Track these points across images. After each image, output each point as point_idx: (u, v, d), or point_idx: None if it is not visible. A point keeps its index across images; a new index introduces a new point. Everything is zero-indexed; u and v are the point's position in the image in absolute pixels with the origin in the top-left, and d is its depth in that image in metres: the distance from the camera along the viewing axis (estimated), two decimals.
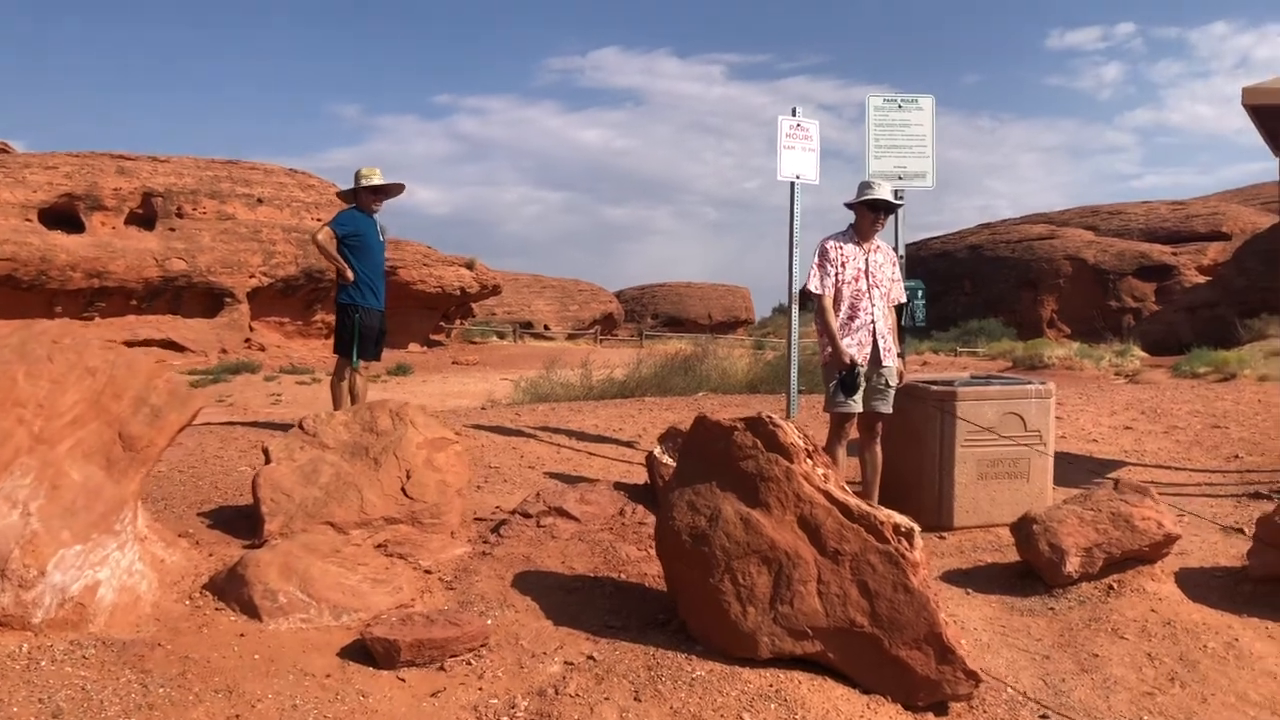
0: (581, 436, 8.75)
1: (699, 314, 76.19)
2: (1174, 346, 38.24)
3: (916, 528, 3.56)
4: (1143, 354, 34.08)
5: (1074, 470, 7.61)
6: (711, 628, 3.49)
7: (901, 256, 7.04)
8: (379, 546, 4.23)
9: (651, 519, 4.76)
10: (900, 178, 7.45)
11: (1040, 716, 3.55)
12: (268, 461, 4.54)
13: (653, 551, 4.52)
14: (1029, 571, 5.01)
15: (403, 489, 4.53)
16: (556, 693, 3.23)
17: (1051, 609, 4.66)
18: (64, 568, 3.30)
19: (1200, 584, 5.07)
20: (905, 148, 7.53)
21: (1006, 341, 40.07)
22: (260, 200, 32.76)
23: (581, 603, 3.99)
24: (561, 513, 4.68)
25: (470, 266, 37.96)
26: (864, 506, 3.53)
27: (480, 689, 3.26)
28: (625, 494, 5.02)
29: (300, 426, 4.78)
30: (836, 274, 5.99)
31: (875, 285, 6.06)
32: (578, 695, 3.21)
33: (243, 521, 4.52)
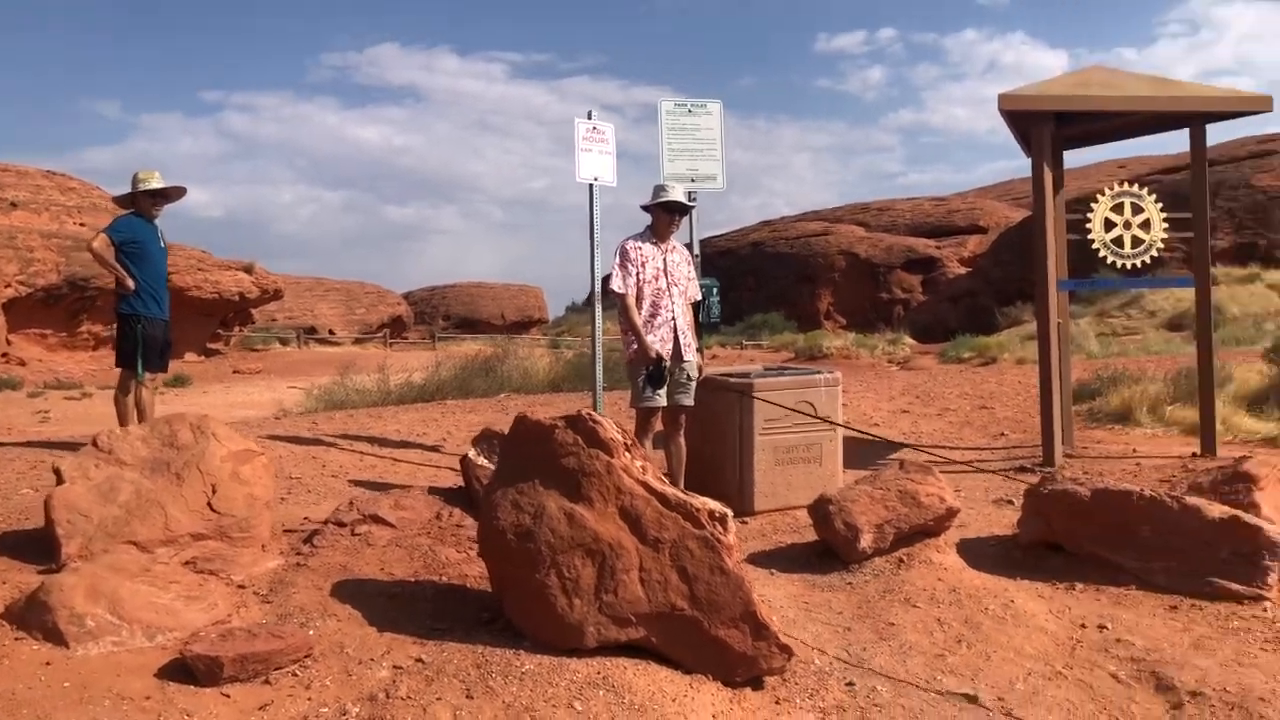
0: (384, 443, 8.64)
1: (492, 314, 75.74)
2: (940, 334, 40.83)
3: (729, 512, 3.76)
4: (912, 342, 36.23)
5: (861, 453, 8.08)
6: (539, 622, 3.58)
7: (697, 256, 7.31)
8: (188, 563, 4.10)
9: (469, 521, 4.80)
10: (693, 180, 7.72)
11: (846, 684, 3.80)
12: (60, 482, 4.31)
13: (473, 554, 4.57)
14: (827, 550, 5.32)
15: (209, 504, 4.40)
16: (388, 696, 3.24)
17: (849, 583, 4.97)
18: None
19: (978, 552, 5.52)
20: (696, 151, 7.80)
21: (788, 334, 41.80)
22: (14, 204, 30.40)
23: (405, 608, 4.00)
24: (377, 520, 4.65)
25: (249, 271, 36.46)
26: (680, 495, 3.69)
27: (309, 699, 3.23)
28: (441, 498, 5.03)
29: (94, 444, 4.55)
30: (638, 274, 6.19)
31: (674, 284, 6.30)
32: (409, 697, 3.23)
33: (33, 546, 4.27)
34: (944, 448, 8.97)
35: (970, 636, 4.34)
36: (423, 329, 68.19)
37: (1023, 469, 7.82)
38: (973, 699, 3.74)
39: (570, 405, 10.66)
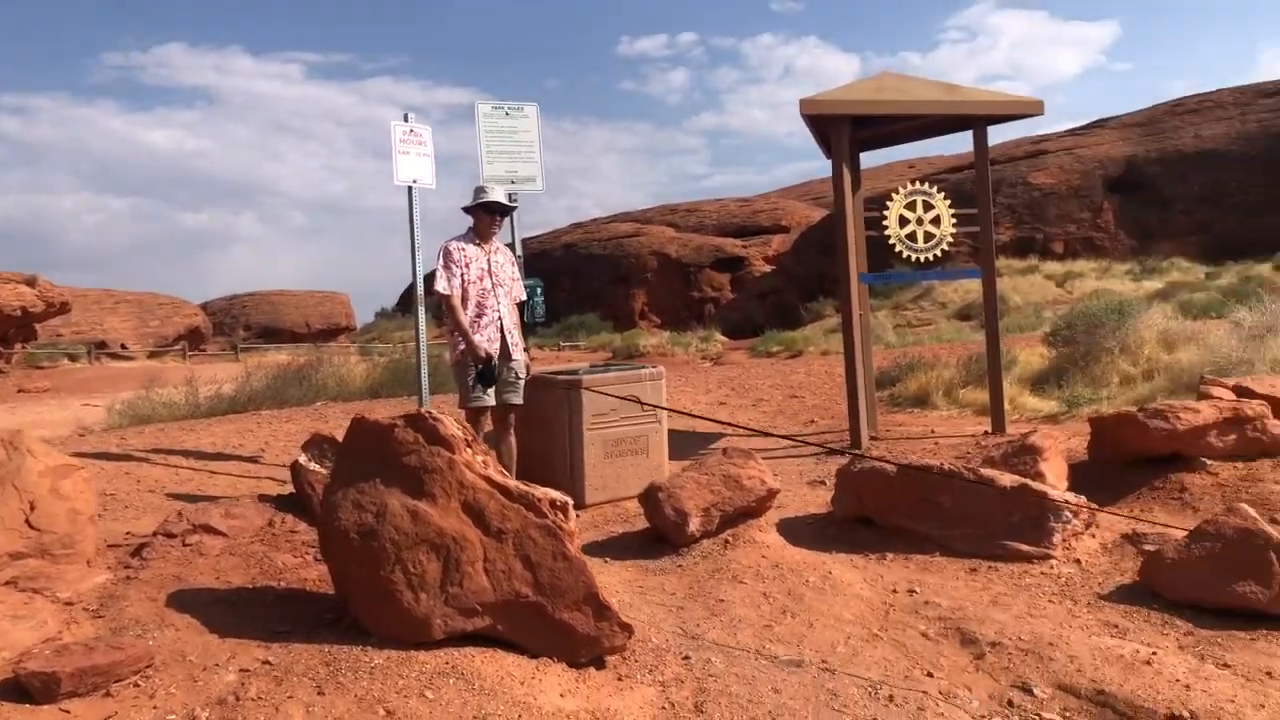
0: (199, 455, 8.39)
1: (296, 323, 73.35)
2: (749, 330, 42.17)
3: (570, 500, 3.91)
4: (723, 338, 37.25)
5: (684, 444, 8.38)
6: (385, 618, 3.63)
7: (520, 256, 7.43)
8: (9, 583, 3.94)
9: (303, 526, 4.78)
10: (513, 181, 7.83)
11: (683, 658, 4.00)
12: None
13: (309, 558, 4.56)
14: (658, 536, 5.54)
15: (27, 521, 4.23)
16: (238, 699, 3.23)
17: (680, 566, 5.20)
18: None
19: (797, 530, 5.86)
20: (515, 153, 7.91)
21: (605, 334, 42.31)
22: None
23: (245, 614, 3.97)
24: (208, 529, 4.57)
25: (31, 284, 34.22)
26: (522, 487, 3.82)
27: (154, 708, 3.19)
28: (272, 505, 4.98)
29: None
30: (462, 274, 6.26)
31: (499, 284, 6.40)
32: (260, 698, 3.24)
33: None
34: (760, 435, 9.36)
35: (794, 607, 4.62)
36: (222, 340, 65.42)
37: (832, 452, 8.27)
38: (799, 664, 4.01)
39: (392, 410, 10.57)
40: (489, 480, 3.79)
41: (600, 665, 3.82)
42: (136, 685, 3.32)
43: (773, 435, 9.49)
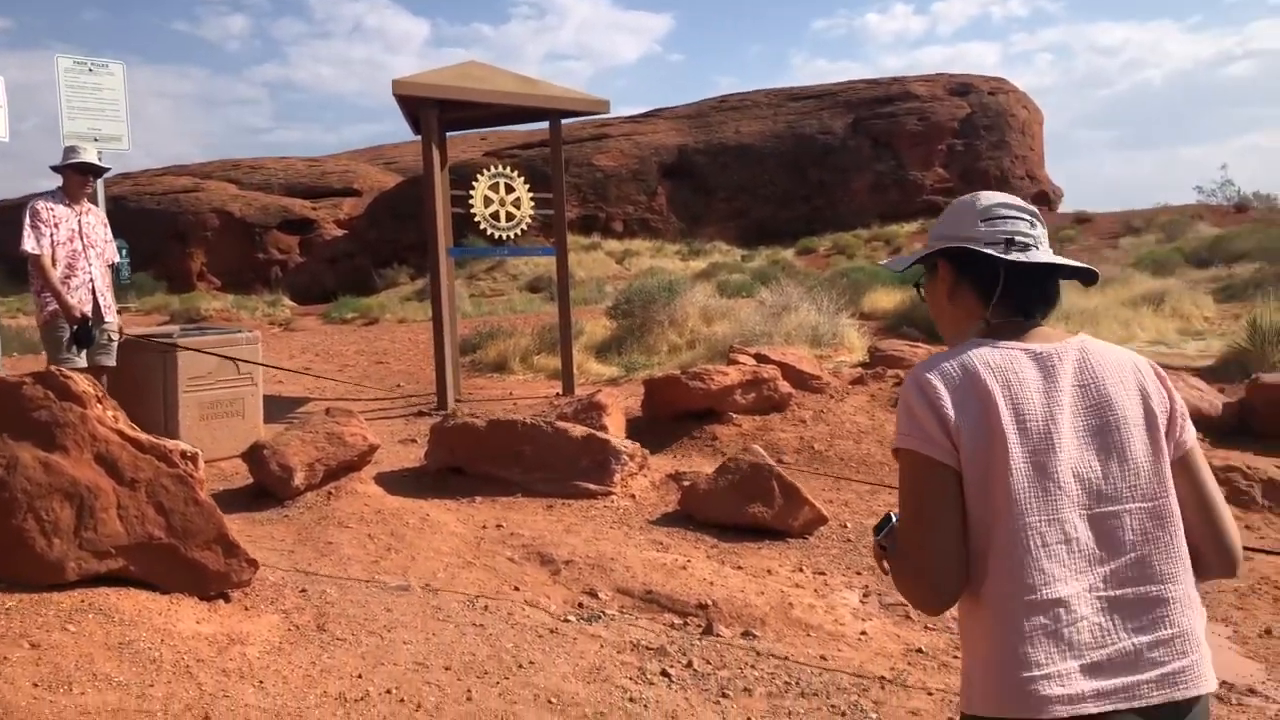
0: None
1: None
2: (320, 295, 41.44)
3: (200, 451, 4.26)
4: (292, 303, 36.45)
5: (272, 408, 8.64)
6: (18, 564, 3.81)
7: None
8: None
9: None
10: (96, 139, 7.67)
11: (300, 590, 4.50)
12: None
13: None
14: (263, 490, 5.91)
15: None
16: None
17: (287, 516, 5.63)
18: None
19: (394, 481, 6.47)
20: (99, 111, 7.75)
21: (161, 296, 39.64)
22: None
23: None
24: None
25: None
26: (154, 440, 4.12)
27: None
28: None
29: None
30: (51, 234, 6.19)
31: (91, 245, 6.39)
32: None
33: None
34: (347, 399, 9.81)
35: (397, 545, 5.25)
36: None
37: (420, 413, 8.94)
38: (406, 588, 4.66)
39: None
40: (121, 434, 4.07)
41: (227, 600, 4.23)
42: None
43: (361, 399, 9.97)
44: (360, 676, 3.65)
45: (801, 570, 5.18)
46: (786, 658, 4.07)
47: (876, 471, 6.98)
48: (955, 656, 4.30)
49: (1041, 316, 1.79)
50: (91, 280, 6.35)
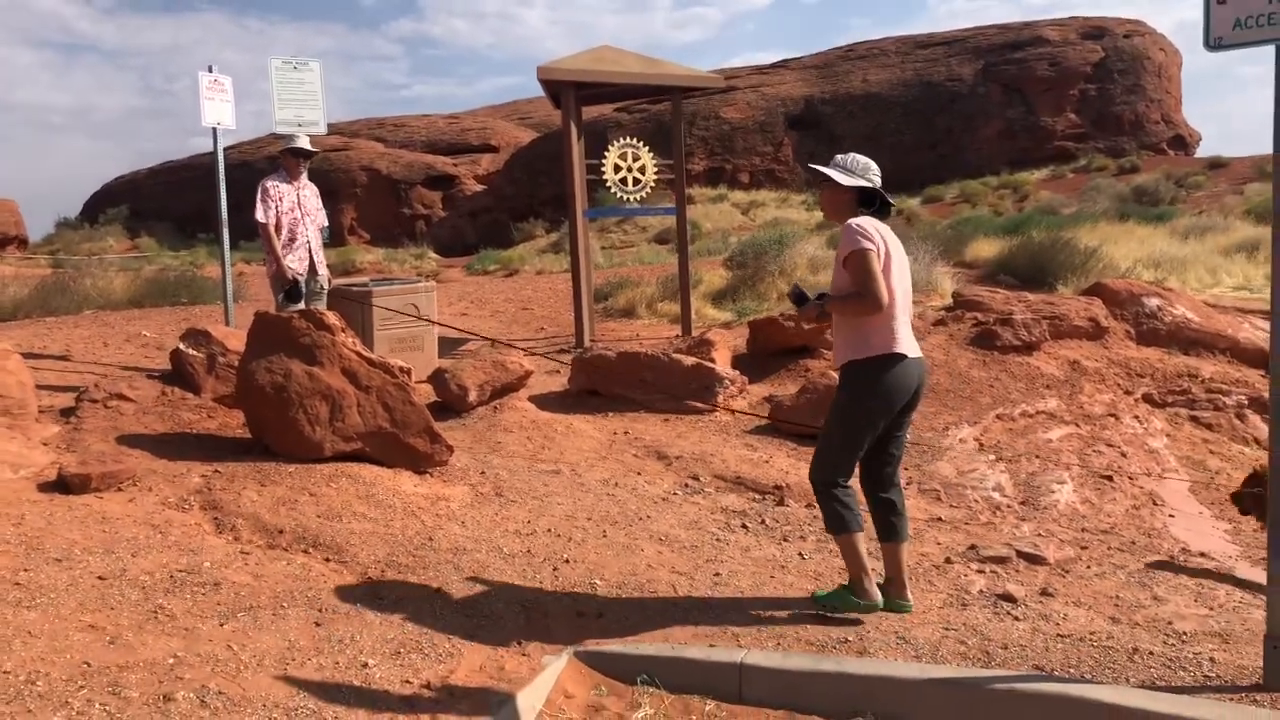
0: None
1: None
2: (461, 248, 43.76)
3: (411, 368, 5.90)
4: (437, 256, 38.67)
5: (443, 345, 10.36)
6: (292, 445, 5.51)
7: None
8: None
9: (190, 396, 6.48)
10: (299, 125, 9.40)
11: (480, 471, 6.11)
12: None
13: (203, 415, 6.30)
14: (444, 406, 7.56)
15: None
16: (209, 489, 5.06)
17: (464, 424, 7.27)
18: None
19: (544, 401, 8.06)
20: (302, 100, 9.47)
21: None
22: None
23: (178, 447, 5.71)
24: (120, 396, 6.19)
25: None
26: (381, 358, 5.77)
27: (155, 496, 4.97)
28: (159, 381, 6.60)
29: None
30: (276, 207, 7.92)
31: (307, 214, 8.10)
32: (224, 488, 5.08)
33: None
34: (500, 339, 11.49)
35: (549, 444, 6.84)
36: None
37: (562, 350, 10.55)
38: (558, 471, 6.23)
39: (164, 319, 11.88)
40: (359, 354, 5.73)
41: (431, 474, 5.87)
42: (134, 485, 5.07)
43: (512, 339, 11.64)
44: (529, 522, 5.23)
45: None
46: None
47: (944, 398, 8.28)
48: (965, 526, 5.67)
49: (886, 217, 4.23)
50: (308, 242, 8.07)
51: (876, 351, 4.01)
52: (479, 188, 56.50)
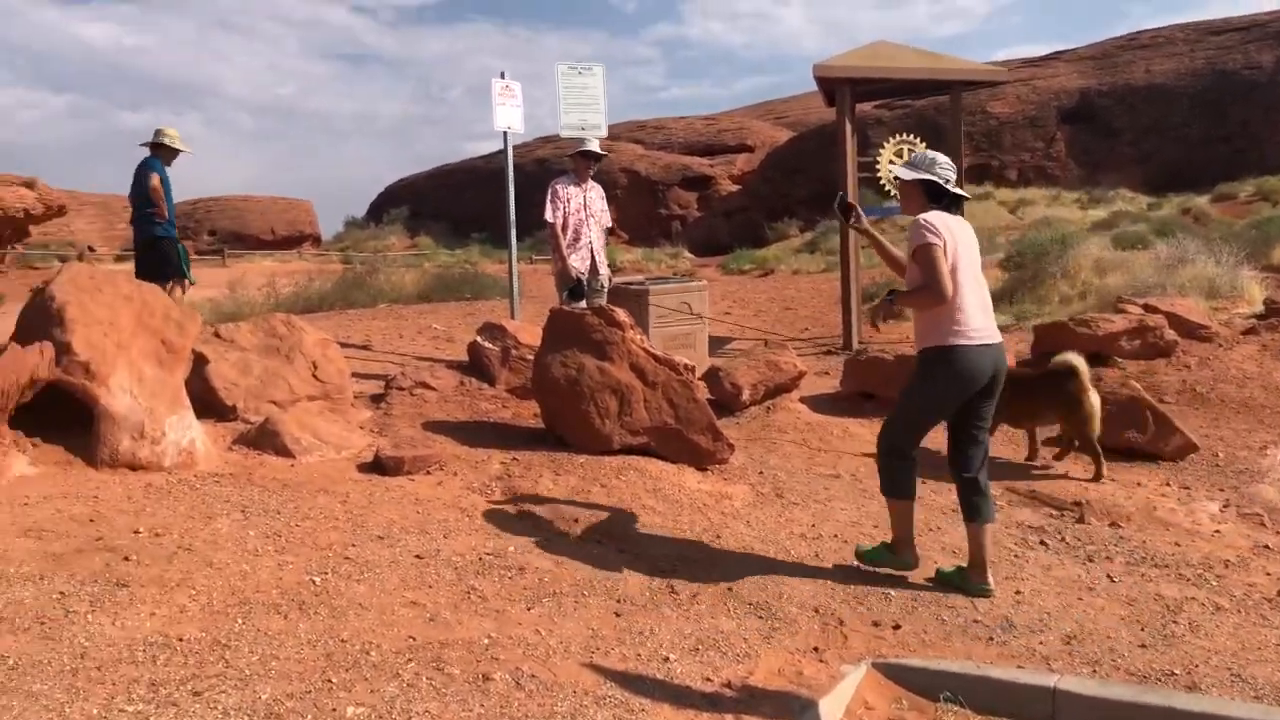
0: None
1: (261, 229, 73.51)
2: (715, 248, 44.03)
3: (695, 365, 5.96)
4: (691, 255, 39.12)
5: (710, 343, 10.44)
6: (582, 437, 5.68)
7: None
8: (319, 414, 5.93)
9: (486, 387, 6.80)
10: (583, 128, 9.70)
11: (759, 472, 6.09)
12: (206, 362, 6.00)
13: (499, 405, 6.59)
14: (717, 404, 7.56)
15: (314, 375, 6.21)
16: (509, 475, 5.29)
17: (737, 423, 7.27)
18: (173, 429, 4.82)
19: (816, 403, 7.96)
20: (586, 105, 9.77)
21: None
22: None
23: (477, 435, 6.00)
24: (424, 385, 6.57)
25: (31, 186, 35.24)
26: (666, 355, 5.87)
27: (460, 481, 5.24)
28: (457, 371, 6.97)
29: (216, 334, 6.24)
30: (563, 208, 8.19)
31: (591, 215, 8.34)
32: (522, 476, 5.30)
33: (197, 404, 5.97)
34: (765, 338, 11.46)
35: (824, 448, 6.75)
36: (188, 244, 65.54)
37: (829, 352, 10.41)
38: (837, 476, 6.13)
39: (453, 312, 12.56)
40: (646, 350, 5.84)
41: (712, 472, 5.91)
42: (441, 470, 5.36)
43: (785, 339, 11.59)
44: (813, 525, 5.17)
45: (1168, 485, 6.12)
46: (1144, 542, 5.12)
47: (1258, 414, 7.58)
48: None
49: (958, 210, 4.43)
50: (590, 242, 8.31)
51: (946, 341, 4.27)
52: (734, 188, 56.71)
